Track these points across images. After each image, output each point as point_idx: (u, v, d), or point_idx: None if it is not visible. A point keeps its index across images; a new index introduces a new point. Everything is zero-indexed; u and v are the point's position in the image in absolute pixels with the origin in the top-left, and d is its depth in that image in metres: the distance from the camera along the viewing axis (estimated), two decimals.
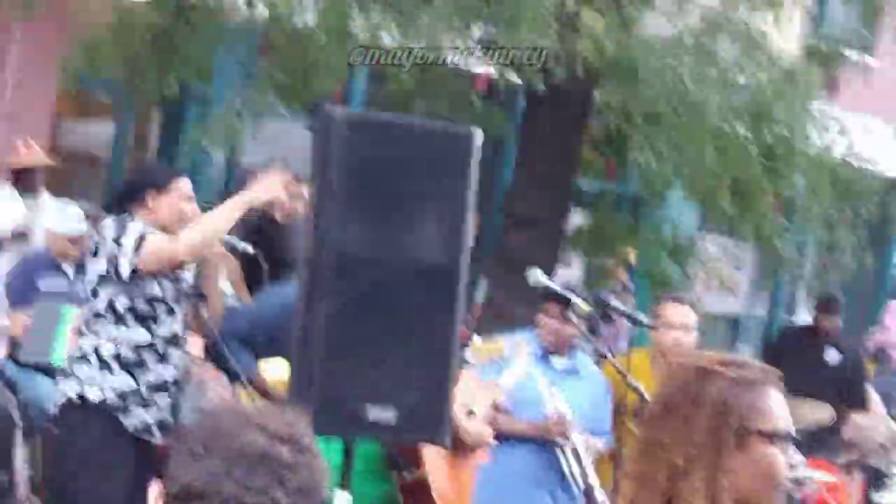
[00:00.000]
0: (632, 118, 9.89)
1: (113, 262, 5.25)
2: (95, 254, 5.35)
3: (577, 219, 11.46)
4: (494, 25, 8.48)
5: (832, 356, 10.15)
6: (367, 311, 4.33)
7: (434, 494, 5.14)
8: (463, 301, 4.67)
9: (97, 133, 11.75)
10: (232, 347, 5.66)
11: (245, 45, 10.41)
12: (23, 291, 7.19)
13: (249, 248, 6.44)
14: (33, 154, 8.85)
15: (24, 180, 8.71)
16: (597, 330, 5.85)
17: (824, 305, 10.41)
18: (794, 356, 9.93)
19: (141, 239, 5.23)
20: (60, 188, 9.26)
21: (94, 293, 5.33)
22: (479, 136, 4.54)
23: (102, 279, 5.29)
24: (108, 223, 5.32)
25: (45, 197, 8.67)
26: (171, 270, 5.30)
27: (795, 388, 9.11)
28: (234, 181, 11.36)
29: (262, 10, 8.59)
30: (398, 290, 4.36)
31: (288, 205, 8.61)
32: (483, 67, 9.37)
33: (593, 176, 12.32)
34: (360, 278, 4.32)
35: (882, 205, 10.81)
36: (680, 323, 6.29)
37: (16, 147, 8.90)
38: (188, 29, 8.98)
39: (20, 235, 8.41)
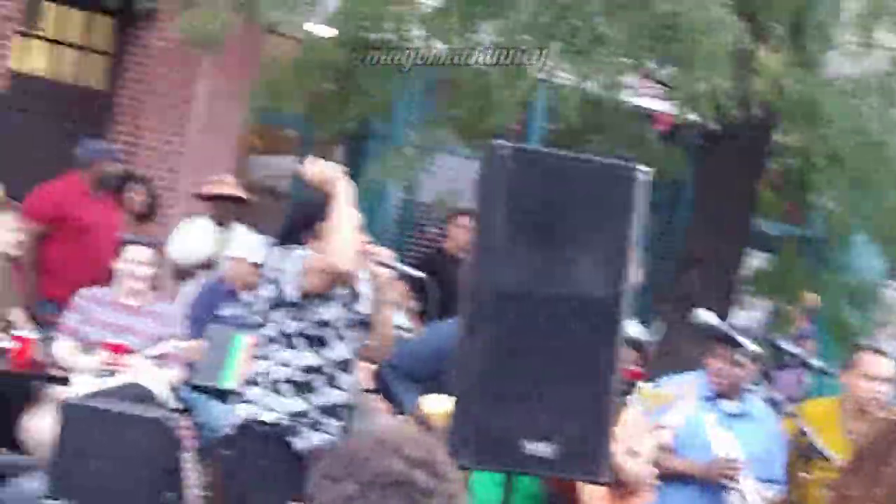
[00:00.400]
0: (812, 160, 9.71)
1: (279, 287, 5.37)
2: (265, 280, 5.49)
3: (758, 261, 11.28)
4: (670, 64, 8.43)
5: None
6: (526, 345, 4.33)
7: None
8: (623, 337, 4.64)
9: (284, 167, 12.03)
10: (398, 379, 5.74)
11: (424, 81, 10.57)
12: (203, 320, 7.40)
13: (420, 274, 6.50)
14: (228, 185, 9.12)
15: (217, 212, 8.97)
16: (769, 375, 5.74)
17: None
18: None
19: (301, 260, 5.35)
20: (248, 221, 9.50)
21: (265, 319, 5.45)
22: (642, 173, 4.50)
23: (272, 304, 5.42)
24: (276, 251, 5.46)
25: (238, 229, 8.92)
26: (340, 286, 5.37)
27: None
28: (410, 216, 11.52)
29: (440, 48, 8.70)
30: (557, 325, 4.35)
31: (462, 239, 8.72)
32: (661, 105, 9.31)
33: (776, 218, 12.12)
34: (520, 312, 4.32)
35: None
36: (878, 374, 6.12)
37: (211, 180, 9.18)
38: (369, 66, 9.15)
39: (207, 266, 8.66)
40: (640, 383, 5.63)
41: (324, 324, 5.42)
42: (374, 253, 5.55)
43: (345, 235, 5.27)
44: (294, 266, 5.34)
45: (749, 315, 10.89)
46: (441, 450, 2.64)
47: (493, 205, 4.40)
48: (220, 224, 8.92)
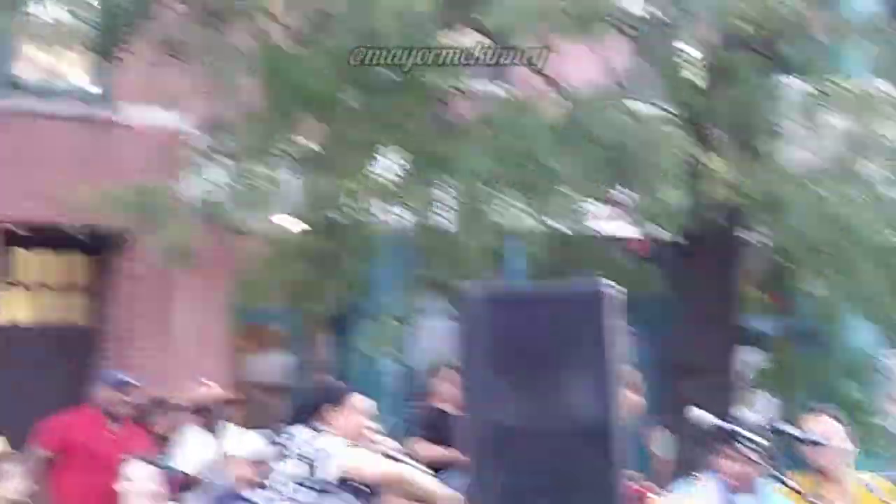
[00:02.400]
0: (788, 252, 9.86)
1: (309, 463, 5.45)
2: (290, 457, 5.54)
3: (754, 357, 11.35)
4: (626, 187, 8.63)
5: None
6: (531, 477, 4.39)
7: None
8: (623, 453, 4.71)
9: (273, 363, 12.11)
10: None
11: (397, 251, 10.75)
12: None
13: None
14: (211, 391, 9.18)
15: (206, 419, 9.02)
16: (775, 458, 5.74)
17: None
18: None
19: (347, 448, 5.44)
20: (247, 421, 9.55)
21: (285, 496, 5.49)
22: (613, 290, 4.61)
23: (297, 481, 5.47)
24: (298, 428, 5.54)
25: (230, 429, 8.95)
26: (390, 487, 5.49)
27: None
28: (407, 383, 11.58)
29: (406, 217, 8.88)
30: (557, 453, 4.42)
31: (447, 392, 8.81)
32: (625, 229, 9.49)
33: (766, 312, 12.22)
34: (519, 447, 4.39)
35: None
36: (828, 435, 6.14)
37: (193, 387, 9.24)
38: (341, 248, 9.31)
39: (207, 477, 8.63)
40: (650, 495, 5.67)
41: None
42: (380, 442, 5.68)
43: (421, 485, 5.49)
44: (334, 445, 5.40)
45: (756, 411, 10.92)
46: None
47: (475, 347, 4.50)
48: (211, 429, 8.97)
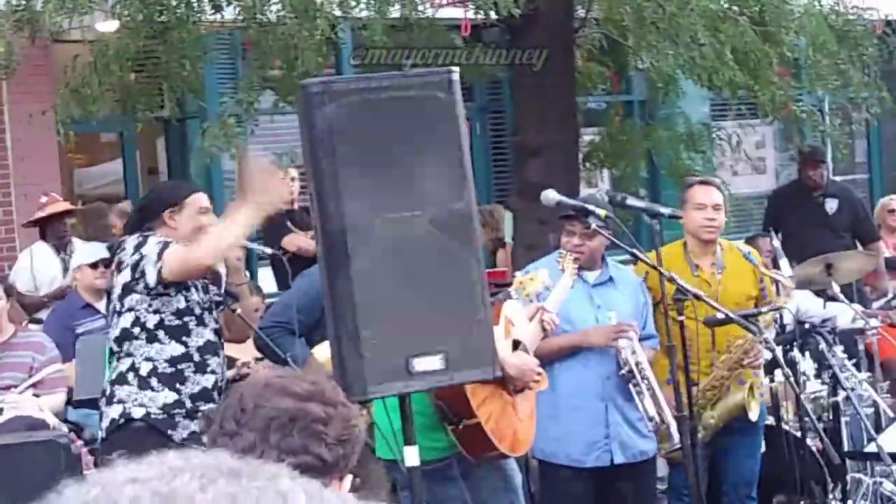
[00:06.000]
0: (620, 25, 9.88)
1: (138, 271, 5.32)
2: (119, 269, 5.42)
3: (591, 137, 11.48)
4: None
5: (831, 205, 10.27)
6: (390, 270, 4.38)
7: (490, 435, 5.19)
8: (481, 238, 4.71)
9: (110, 172, 11.87)
10: (280, 339, 5.71)
11: (229, 48, 10.48)
12: (62, 343, 7.28)
13: (266, 249, 6.52)
14: (55, 203, 8.98)
15: (51, 231, 8.85)
16: (620, 232, 5.83)
17: (810, 158, 10.47)
18: (797, 214, 10.05)
19: (164, 246, 5.30)
20: (88, 234, 9.37)
21: (120, 310, 5.40)
22: (455, 74, 4.55)
23: (126, 289, 5.36)
24: (130, 239, 5.41)
25: (77, 243, 8.80)
26: (198, 277, 5.37)
27: (810, 244, 9.16)
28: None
29: (231, 12, 8.63)
30: (414, 242, 4.40)
31: (287, 193, 8.76)
32: (457, 12, 9.38)
33: (601, 91, 12.32)
34: (374, 240, 4.36)
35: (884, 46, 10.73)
36: (707, 202, 6.31)
37: (38, 201, 9.03)
38: (168, 48, 9.03)
39: (61, 296, 8.50)
40: (516, 274, 5.71)
41: (183, 312, 5.40)
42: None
43: (222, 243, 5.25)
44: (153, 251, 5.30)
45: (594, 190, 11.09)
46: (327, 381, 2.69)
47: (321, 143, 4.41)
48: (57, 246, 8.81)
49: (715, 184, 6.64)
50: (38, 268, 8.80)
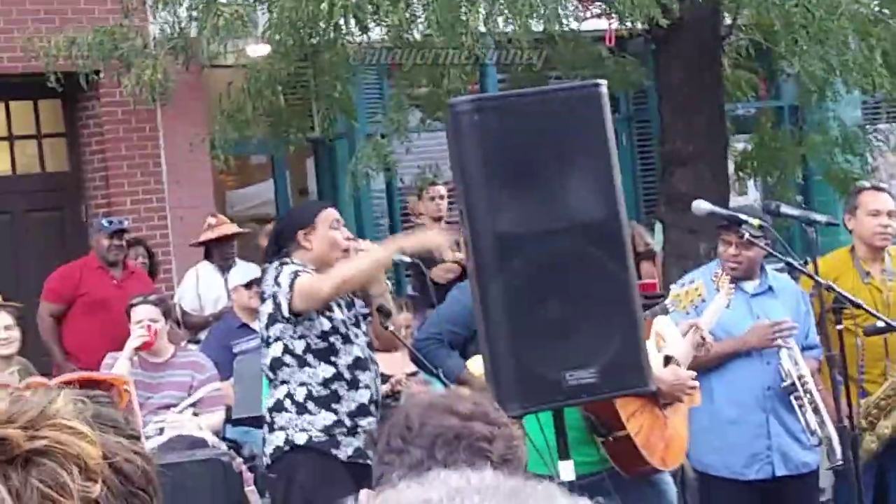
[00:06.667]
0: (768, 30, 9.74)
1: (276, 302, 5.39)
2: (262, 298, 5.52)
3: (742, 145, 11.32)
4: None
5: None
6: (541, 282, 4.37)
7: (640, 448, 5.14)
8: (631, 249, 4.68)
9: (262, 195, 12.06)
10: (433, 352, 5.70)
11: (376, 70, 10.60)
12: (220, 362, 7.43)
13: (405, 258, 6.56)
14: (223, 225, 9.18)
15: (218, 253, 9.04)
16: (776, 242, 5.73)
17: None
18: None
19: (294, 276, 5.34)
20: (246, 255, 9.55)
21: (268, 340, 5.48)
22: (603, 87, 4.53)
23: (271, 319, 5.43)
24: (270, 268, 5.48)
25: (239, 264, 8.98)
26: (321, 308, 5.40)
27: None
28: (397, 202, 11.58)
29: (378, 32, 8.72)
30: (565, 256, 4.39)
31: (433, 209, 8.80)
32: (598, 24, 9.35)
33: (750, 98, 12.15)
34: (525, 254, 4.36)
35: None
36: (881, 209, 6.15)
37: (208, 225, 9.22)
38: (317, 70, 9.17)
39: (220, 316, 8.68)
40: (671, 286, 5.64)
41: (328, 333, 5.44)
42: (360, 246, 5.60)
43: (348, 276, 5.32)
44: (286, 282, 5.35)
45: (744, 199, 10.95)
46: (489, 400, 2.73)
47: (471, 159, 4.43)
48: (223, 267, 9.00)
49: (887, 189, 6.49)
50: (203, 288, 8.99)
